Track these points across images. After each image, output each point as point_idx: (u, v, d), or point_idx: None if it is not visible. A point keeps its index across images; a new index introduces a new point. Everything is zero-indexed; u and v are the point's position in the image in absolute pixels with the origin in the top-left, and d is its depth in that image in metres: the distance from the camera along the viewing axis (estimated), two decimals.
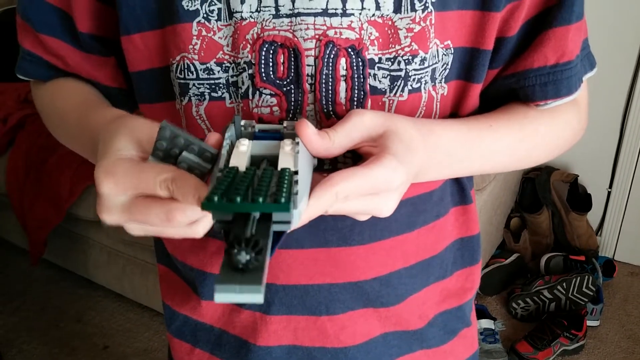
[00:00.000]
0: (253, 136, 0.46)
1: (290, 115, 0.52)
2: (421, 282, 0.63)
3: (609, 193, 2.26)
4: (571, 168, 2.28)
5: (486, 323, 1.86)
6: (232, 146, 0.43)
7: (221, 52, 0.52)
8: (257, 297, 0.30)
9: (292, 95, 0.52)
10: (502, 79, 0.59)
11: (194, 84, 0.53)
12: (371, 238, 0.58)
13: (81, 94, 0.61)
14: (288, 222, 0.36)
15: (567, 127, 0.61)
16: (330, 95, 0.52)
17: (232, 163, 0.40)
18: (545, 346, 1.81)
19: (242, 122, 0.46)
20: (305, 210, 0.41)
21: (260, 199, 0.32)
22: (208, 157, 0.42)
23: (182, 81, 0.54)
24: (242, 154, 0.41)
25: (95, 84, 0.63)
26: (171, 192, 0.39)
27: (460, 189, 0.65)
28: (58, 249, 2.14)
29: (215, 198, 0.32)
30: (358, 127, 0.46)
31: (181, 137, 0.41)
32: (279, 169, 0.39)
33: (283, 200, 0.32)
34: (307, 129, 0.44)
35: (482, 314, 1.94)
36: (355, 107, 0.53)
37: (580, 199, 2.22)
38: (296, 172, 0.39)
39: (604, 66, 2.18)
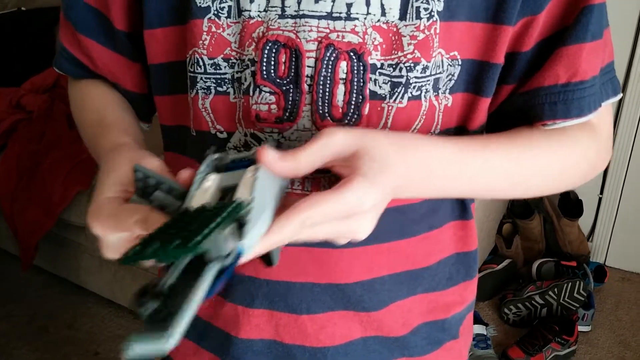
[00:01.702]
0: (226, 167, 0.47)
1: (287, 114, 0.53)
2: (408, 290, 0.62)
3: (600, 199, 2.27)
4: None
5: (478, 328, 1.86)
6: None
7: (229, 48, 0.54)
8: (165, 345, 0.29)
9: (290, 95, 0.53)
10: (515, 97, 0.58)
11: (201, 78, 0.55)
12: (355, 243, 0.57)
13: (99, 111, 0.65)
14: (228, 256, 0.36)
15: (580, 158, 0.58)
16: (327, 97, 0.52)
17: (195, 201, 0.41)
18: (536, 351, 1.81)
19: (215, 156, 0.47)
20: (266, 237, 0.40)
21: (176, 243, 0.31)
22: (177, 194, 0.44)
23: (191, 74, 0.56)
24: (203, 191, 0.43)
25: (118, 88, 0.67)
26: (145, 230, 0.42)
27: (460, 203, 0.64)
28: (49, 255, 2.13)
29: (131, 252, 0.32)
30: (329, 146, 0.45)
31: (152, 177, 0.44)
32: (235, 199, 0.39)
33: (191, 244, 0.31)
34: (267, 156, 0.44)
35: (474, 319, 1.94)
36: (352, 110, 0.53)
37: (571, 205, 2.23)
38: (251, 201, 0.39)
39: None
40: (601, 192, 2.27)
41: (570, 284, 1.97)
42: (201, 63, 0.55)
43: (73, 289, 2.16)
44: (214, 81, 0.55)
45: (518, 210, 2.27)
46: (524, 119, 0.58)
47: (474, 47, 0.54)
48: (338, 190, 0.43)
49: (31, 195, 1.97)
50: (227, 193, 0.43)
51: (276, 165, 0.44)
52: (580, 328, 1.95)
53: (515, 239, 2.21)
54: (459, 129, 0.58)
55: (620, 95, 0.61)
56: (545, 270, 2.14)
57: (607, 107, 0.59)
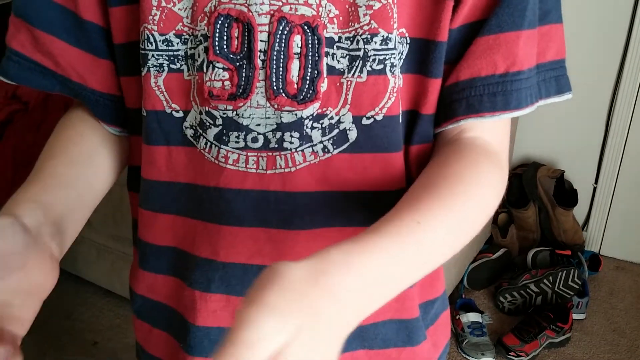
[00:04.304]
0: None
1: (241, 91, 0.52)
2: None
3: (595, 188, 2.29)
4: (557, 164, 2.31)
5: (473, 316, 1.88)
6: None
7: (180, 23, 0.53)
8: None
9: (244, 71, 0.52)
10: (445, 89, 0.55)
11: (152, 55, 0.54)
12: (313, 224, 0.55)
13: (43, 160, 0.60)
14: None
15: (493, 192, 0.54)
16: (281, 73, 0.51)
17: None
18: (531, 339, 1.83)
19: None
20: None
21: None
22: None
23: (142, 52, 0.54)
24: None
25: (83, 90, 0.61)
26: None
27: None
28: None
29: None
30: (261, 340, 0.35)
31: None
32: None
33: None
34: None
35: (469, 307, 1.95)
36: (307, 86, 0.51)
37: (566, 195, 2.24)
38: None
39: (589, 62, 2.20)
40: (596, 182, 2.28)
41: (565, 272, 1.98)
42: (152, 39, 0.53)
43: (71, 279, 2.16)
44: (167, 58, 0.54)
45: (513, 200, 2.28)
46: (450, 112, 0.55)
47: (420, 24, 0.52)
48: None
49: None
50: None
51: None
52: (575, 316, 1.97)
53: (511, 229, 2.22)
54: (412, 114, 0.56)
55: (568, 97, 0.58)
56: (540, 259, 2.16)
57: (505, 130, 0.56)
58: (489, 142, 0.55)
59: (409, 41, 0.53)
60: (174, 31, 0.53)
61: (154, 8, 0.53)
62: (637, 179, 2.21)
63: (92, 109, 0.62)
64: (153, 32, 0.53)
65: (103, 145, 0.64)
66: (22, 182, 2.13)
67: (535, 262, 2.16)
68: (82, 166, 0.61)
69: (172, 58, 0.54)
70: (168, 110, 0.55)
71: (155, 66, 0.54)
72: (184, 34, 0.53)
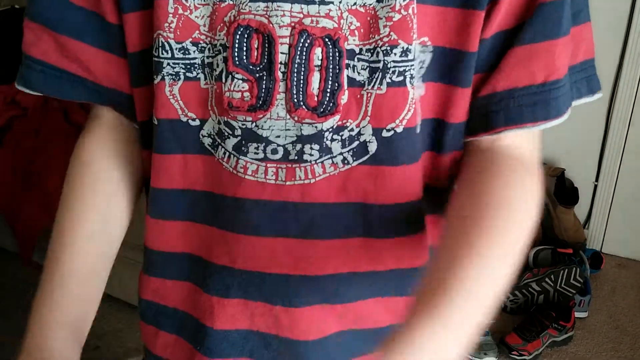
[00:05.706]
0: None
1: (261, 102, 0.52)
2: (390, 289, 0.59)
3: (596, 186, 2.28)
4: (557, 162, 2.31)
5: None
6: None
7: (197, 31, 0.52)
8: None
9: (264, 82, 0.51)
10: (480, 99, 0.54)
11: (168, 63, 0.53)
12: (331, 234, 0.55)
13: (66, 251, 0.64)
14: None
15: (533, 204, 0.53)
16: (301, 85, 0.51)
17: None
18: (534, 338, 1.82)
19: None
20: None
21: None
22: None
23: (156, 59, 0.53)
24: None
25: (116, 95, 0.60)
26: None
27: (436, 196, 0.59)
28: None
29: None
30: None
31: None
32: None
33: None
34: None
35: None
36: (328, 98, 0.51)
37: (567, 193, 2.24)
38: None
39: None
40: (596, 180, 2.28)
41: (566, 270, 1.98)
42: (167, 47, 0.52)
43: None
44: (183, 66, 0.53)
45: None
46: (488, 123, 0.54)
47: (445, 34, 0.52)
48: None
49: (28, 191, 1.97)
50: None
51: None
52: (577, 314, 1.97)
53: None
54: (439, 122, 0.55)
55: (599, 95, 0.58)
56: (541, 257, 2.15)
57: (538, 135, 0.56)
58: (524, 150, 0.55)
59: (432, 49, 0.52)
60: (190, 39, 0.52)
61: (170, 15, 0.52)
62: (637, 176, 2.21)
63: (125, 113, 0.61)
64: (169, 39, 0.52)
65: (120, 182, 0.63)
66: (22, 187, 2.11)
67: (537, 261, 2.15)
68: (101, 223, 0.62)
69: (188, 66, 0.53)
70: (184, 119, 0.55)
71: (171, 74, 0.53)
72: (201, 42, 0.52)
